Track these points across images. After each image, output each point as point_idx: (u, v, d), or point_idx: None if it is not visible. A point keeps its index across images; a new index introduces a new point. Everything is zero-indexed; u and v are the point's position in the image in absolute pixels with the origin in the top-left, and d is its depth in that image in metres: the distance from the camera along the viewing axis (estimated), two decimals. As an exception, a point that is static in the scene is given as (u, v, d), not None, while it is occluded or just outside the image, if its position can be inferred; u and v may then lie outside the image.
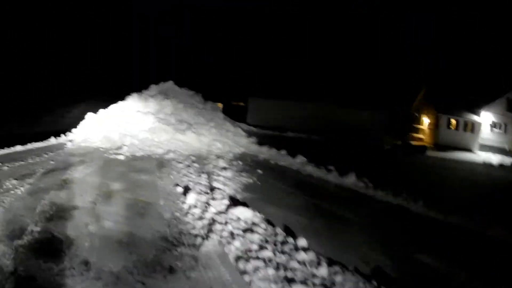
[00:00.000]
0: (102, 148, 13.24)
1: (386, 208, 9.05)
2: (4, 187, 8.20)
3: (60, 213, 6.62)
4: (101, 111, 15.64)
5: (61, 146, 13.55)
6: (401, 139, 23.84)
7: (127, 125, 14.49)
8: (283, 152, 14.08)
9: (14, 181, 8.62)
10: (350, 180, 10.72)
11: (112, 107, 16.54)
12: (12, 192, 7.90)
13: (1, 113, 21.97)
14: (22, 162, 10.64)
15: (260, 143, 15.65)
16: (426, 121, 27.21)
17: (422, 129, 26.51)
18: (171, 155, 11.99)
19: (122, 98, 17.19)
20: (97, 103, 16.85)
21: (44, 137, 14.78)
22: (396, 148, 21.74)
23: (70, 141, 14.25)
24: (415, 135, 25.63)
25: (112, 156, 11.71)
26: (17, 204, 7.11)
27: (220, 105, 24.19)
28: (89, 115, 15.38)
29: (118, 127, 14.60)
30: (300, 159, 12.85)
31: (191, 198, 7.23)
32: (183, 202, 7.28)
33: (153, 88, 17.48)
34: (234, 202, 7.40)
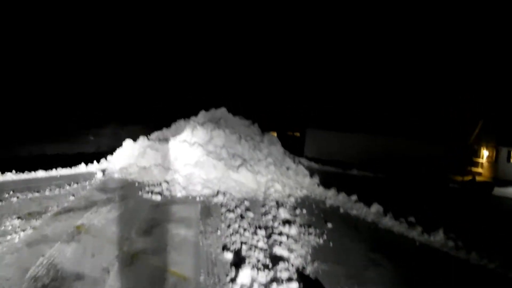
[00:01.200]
0: (137, 182, 11.77)
1: (490, 280, 7.07)
2: (2, 228, 6.69)
3: (57, 285, 4.69)
4: (141, 138, 13.83)
5: (90, 176, 12.26)
6: (461, 175, 23.18)
7: (170, 157, 12.56)
8: (354, 197, 11.81)
9: (17, 221, 7.17)
10: (438, 238, 8.79)
11: (155, 134, 14.84)
12: (9, 237, 6.34)
13: (24, 130, 21.46)
14: (37, 194, 9.12)
15: (325, 184, 13.52)
16: (485, 154, 25.87)
17: (481, 163, 25.64)
18: (220, 199, 9.82)
19: (167, 124, 15.43)
20: (139, 128, 15.17)
21: (77, 160, 13.93)
22: (464, 185, 20.07)
23: (103, 170, 13.00)
24: (474, 169, 24.95)
25: (147, 196, 9.82)
26: (7, 259, 5.50)
27: (273, 134, 22.10)
28: (127, 143, 13.75)
29: (159, 158, 12.74)
30: (375, 208, 10.73)
31: (244, 276, 5.01)
32: (233, 281, 4.93)
33: (203, 115, 15.69)
34: (305, 282, 5.40)
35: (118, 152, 14.24)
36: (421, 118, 26.43)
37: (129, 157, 13.95)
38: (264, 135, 15.74)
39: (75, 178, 11.67)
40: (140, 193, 10.31)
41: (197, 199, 10.25)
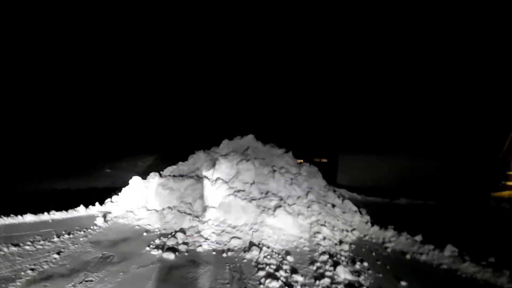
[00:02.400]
0: (146, 231, 9.95)
1: None
2: None
3: None
4: (152, 175, 11.79)
5: (88, 222, 10.55)
6: (496, 190, 22.70)
7: (187, 198, 10.50)
8: (418, 238, 9.71)
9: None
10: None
11: (169, 169, 12.78)
12: None
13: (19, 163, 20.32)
14: (13, 249, 7.69)
15: (375, 219, 11.53)
16: None
17: None
18: (254, 254, 7.65)
19: (183, 157, 13.35)
20: (154, 159, 13.28)
21: (86, 196, 12.71)
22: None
23: (105, 214, 11.18)
24: (508, 183, 24.17)
25: (157, 252, 7.69)
26: None
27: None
28: (135, 180, 11.73)
29: (173, 199, 10.84)
30: (449, 250, 8.80)
31: None
32: None
33: (226, 144, 13.57)
34: None
35: (124, 191, 12.29)
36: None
37: (137, 197, 12.07)
38: (302, 166, 13.42)
39: (70, 225, 9.99)
40: (148, 248, 8.11)
41: (224, 254, 7.90)
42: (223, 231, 9.40)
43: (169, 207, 11.08)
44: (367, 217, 11.34)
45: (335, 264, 7.75)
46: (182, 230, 9.51)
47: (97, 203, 12.14)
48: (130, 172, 19.86)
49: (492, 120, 26.02)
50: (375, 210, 13.08)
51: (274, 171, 12.13)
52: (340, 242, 9.49)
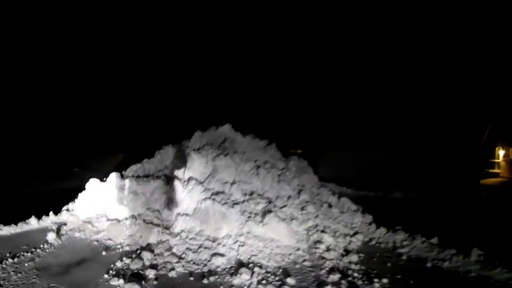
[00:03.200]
0: (106, 249, 8.49)
1: None
2: None
3: None
4: (112, 176, 10.07)
5: (39, 238, 9.26)
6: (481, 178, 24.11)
7: (155, 204, 9.31)
8: (434, 240, 8.75)
9: None
10: None
11: (132, 169, 11.03)
12: None
13: None
14: None
15: (379, 220, 10.26)
16: (501, 154, 26.93)
17: (497, 163, 26.96)
18: (244, 278, 6.46)
19: (149, 154, 11.57)
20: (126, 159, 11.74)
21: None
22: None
23: (59, 226, 9.77)
24: (491, 170, 26.06)
25: (117, 282, 6.50)
26: None
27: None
28: (92, 184, 10.25)
29: (138, 206, 9.84)
30: (474, 254, 7.81)
31: None
32: None
33: (199, 137, 11.82)
34: None
35: (81, 198, 10.79)
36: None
37: (96, 204, 10.56)
38: (290, 160, 11.89)
39: (17, 244, 8.75)
40: (106, 276, 6.52)
41: (205, 280, 6.33)
42: (200, 246, 7.80)
43: (133, 216, 9.42)
44: (370, 217, 10.07)
45: (349, 285, 6.26)
46: (150, 247, 7.87)
47: (51, 213, 10.66)
48: (98, 172, 18.02)
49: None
50: (370, 204, 11.74)
51: (258, 167, 10.64)
52: (346, 251, 8.12)
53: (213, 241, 8.08)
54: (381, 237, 9.24)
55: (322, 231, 8.91)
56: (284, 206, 9.63)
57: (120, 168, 11.82)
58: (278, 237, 8.28)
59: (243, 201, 9.24)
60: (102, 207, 10.26)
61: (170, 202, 9.36)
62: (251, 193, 9.85)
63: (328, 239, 8.51)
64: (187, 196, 9.20)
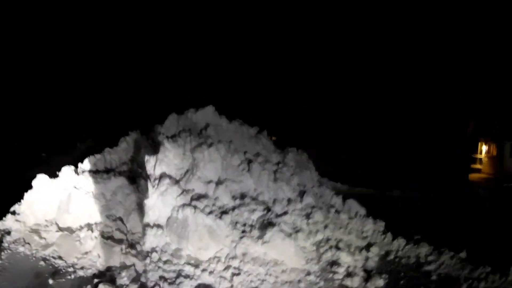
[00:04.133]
0: (54, 273, 6.83)
1: None
2: None
3: None
4: (64, 170, 8.63)
5: None
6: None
7: (116, 210, 7.95)
8: (463, 254, 7.42)
9: None
10: None
11: (91, 160, 8.94)
12: None
13: None
14: None
15: (392, 227, 8.75)
16: (484, 149, 27.26)
17: (479, 159, 27.13)
18: None
19: (111, 142, 9.47)
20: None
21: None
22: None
23: (2, 235, 8.05)
24: (473, 166, 26.34)
25: None
26: None
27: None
28: (40, 180, 8.79)
29: (96, 212, 8.05)
30: None
31: None
32: None
33: (175, 121, 9.76)
34: None
35: (27, 198, 8.72)
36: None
37: (45, 208, 8.54)
38: (287, 153, 10.02)
39: None
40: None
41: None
42: (179, 273, 5.88)
43: (89, 226, 7.41)
44: (382, 224, 8.54)
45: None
46: (110, 275, 5.89)
47: None
48: (67, 158, 15.57)
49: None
50: (370, 205, 10.12)
51: (250, 161, 8.72)
52: (366, 272, 6.86)
53: (196, 266, 6.24)
54: (400, 250, 7.80)
55: (336, 247, 7.16)
56: (284, 213, 7.89)
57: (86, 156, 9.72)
58: (282, 258, 6.60)
59: (233, 208, 7.42)
60: (52, 212, 8.39)
61: (137, 207, 7.39)
62: (242, 196, 8.07)
63: (346, 258, 6.91)
64: (159, 200, 7.31)
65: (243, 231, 6.91)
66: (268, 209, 7.74)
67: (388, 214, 9.91)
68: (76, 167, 9.33)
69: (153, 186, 7.61)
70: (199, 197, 7.52)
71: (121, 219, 7.49)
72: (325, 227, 7.88)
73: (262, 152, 9.74)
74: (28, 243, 7.76)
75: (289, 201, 8.41)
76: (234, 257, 6.48)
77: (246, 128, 10.28)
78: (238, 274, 6.15)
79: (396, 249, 7.82)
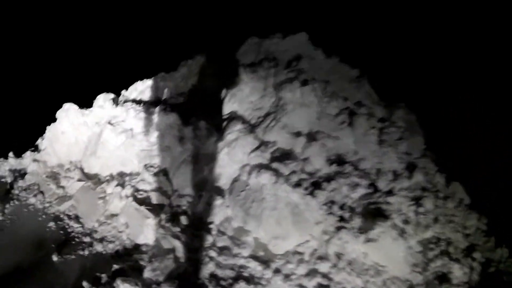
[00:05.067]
0: (62, 246, 4.91)
1: None
2: None
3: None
4: (100, 99, 6.95)
5: None
6: None
7: (162, 158, 5.80)
8: None
9: None
10: None
11: (135, 88, 7.02)
12: None
13: None
14: None
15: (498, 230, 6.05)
16: None
17: None
18: None
19: (173, 62, 7.15)
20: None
21: None
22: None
23: (14, 179, 6.49)
24: None
25: None
26: None
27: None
28: (66, 111, 6.75)
29: (132, 158, 5.91)
30: None
31: None
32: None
33: (254, 47, 7.22)
34: None
35: (51, 134, 6.80)
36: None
37: (70, 146, 6.65)
38: (396, 109, 7.21)
39: None
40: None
41: None
42: (239, 273, 3.52)
43: (121, 177, 5.22)
44: (485, 221, 6.10)
45: None
46: (136, 262, 3.44)
47: (10, 154, 7.12)
48: None
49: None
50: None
51: (351, 111, 5.89)
52: None
53: (266, 263, 3.75)
54: (502, 261, 5.65)
55: (447, 254, 4.53)
56: (389, 192, 5.31)
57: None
58: (386, 263, 4.05)
59: (329, 179, 4.72)
60: (79, 152, 6.45)
61: (191, 159, 4.93)
62: (340, 161, 5.43)
63: (457, 272, 4.27)
64: (224, 152, 4.94)
65: (341, 218, 4.35)
66: (373, 185, 5.08)
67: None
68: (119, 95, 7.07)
69: (218, 131, 5.13)
70: (283, 155, 5.05)
71: (166, 173, 5.13)
72: (435, 220, 5.23)
73: (365, 103, 7.03)
74: (42, 192, 5.99)
75: (395, 174, 5.75)
76: (323, 257, 4.03)
77: (346, 68, 7.51)
78: (327, 286, 3.64)
79: (498, 259, 5.63)
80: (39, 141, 7.24)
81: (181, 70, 7.28)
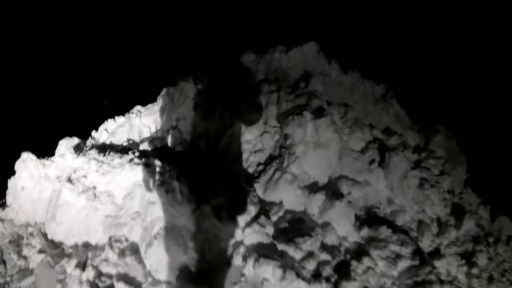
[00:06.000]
0: None
1: None
2: None
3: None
4: (61, 146, 5.61)
5: None
6: None
7: (129, 228, 4.23)
8: None
9: None
10: None
11: (106, 127, 5.89)
12: None
13: None
14: None
15: None
16: None
17: None
18: None
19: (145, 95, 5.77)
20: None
21: None
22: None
23: None
24: None
25: None
26: None
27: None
28: (24, 162, 5.24)
29: (96, 225, 4.44)
30: None
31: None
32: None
33: (252, 64, 5.56)
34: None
35: (12, 188, 5.46)
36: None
37: (34, 204, 5.26)
38: (433, 133, 5.72)
39: None
40: None
41: None
42: None
43: (85, 249, 4.06)
44: None
45: None
46: None
47: None
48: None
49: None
50: None
51: (382, 145, 4.46)
52: None
53: None
54: None
55: None
56: (436, 251, 4.25)
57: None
58: None
59: (359, 254, 3.24)
60: (44, 210, 5.12)
61: (166, 232, 3.48)
62: (371, 218, 4.07)
63: None
64: (210, 224, 3.32)
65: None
66: (418, 251, 3.65)
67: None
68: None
69: (202, 192, 3.72)
70: (293, 224, 3.66)
71: (136, 249, 3.73)
72: (490, 280, 3.78)
73: (395, 129, 5.59)
74: (4, 262, 4.80)
75: (440, 224, 4.54)
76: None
77: (370, 84, 6.04)
78: None
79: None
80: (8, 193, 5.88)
81: (161, 102, 5.87)
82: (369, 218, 4.20)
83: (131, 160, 4.52)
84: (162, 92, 6.12)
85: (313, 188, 4.08)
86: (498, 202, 5.50)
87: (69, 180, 4.68)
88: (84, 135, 6.00)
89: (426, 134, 5.89)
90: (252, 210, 3.62)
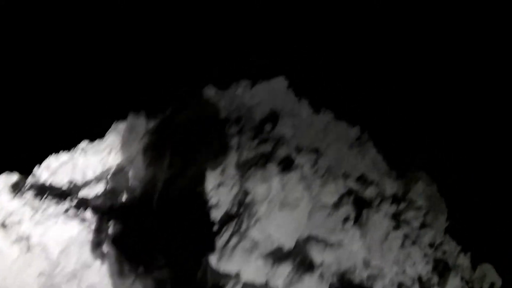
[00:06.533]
0: None
1: None
2: None
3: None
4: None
5: None
6: None
7: None
8: None
9: None
10: None
11: (45, 166, 4.93)
12: None
13: None
14: None
15: None
16: None
17: None
18: None
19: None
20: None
21: None
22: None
23: None
24: None
25: None
26: None
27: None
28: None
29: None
30: None
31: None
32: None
33: (213, 102, 4.89)
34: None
35: None
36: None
37: None
38: (413, 181, 5.28)
39: None
40: None
41: None
42: None
43: None
44: None
45: None
46: None
47: None
48: None
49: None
50: None
51: (358, 197, 3.79)
52: None
53: None
54: None
55: None
56: None
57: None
58: None
59: None
60: None
61: None
62: (344, 285, 3.20)
63: None
64: None
65: None
66: None
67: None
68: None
69: (144, 259, 3.01)
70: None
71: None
72: None
73: (372, 177, 5.04)
74: None
75: (421, 282, 4.22)
76: None
77: (343, 126, 5.52)
78: None
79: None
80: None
81: (109, 138, 5.11)
82: (343, 286, 3.60)
83: (67, 210, 3.81)
84: (111, 127, 5.40)
85: (277, 255, 3.43)
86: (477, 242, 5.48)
87: (3, 225, 3.93)
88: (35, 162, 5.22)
89: (405, 181, 5.46)
90: (202, 285, 2.93)
